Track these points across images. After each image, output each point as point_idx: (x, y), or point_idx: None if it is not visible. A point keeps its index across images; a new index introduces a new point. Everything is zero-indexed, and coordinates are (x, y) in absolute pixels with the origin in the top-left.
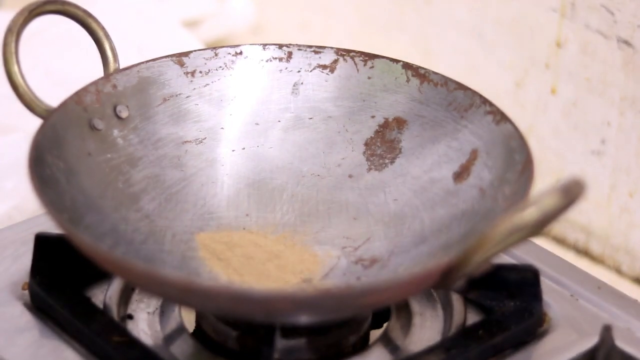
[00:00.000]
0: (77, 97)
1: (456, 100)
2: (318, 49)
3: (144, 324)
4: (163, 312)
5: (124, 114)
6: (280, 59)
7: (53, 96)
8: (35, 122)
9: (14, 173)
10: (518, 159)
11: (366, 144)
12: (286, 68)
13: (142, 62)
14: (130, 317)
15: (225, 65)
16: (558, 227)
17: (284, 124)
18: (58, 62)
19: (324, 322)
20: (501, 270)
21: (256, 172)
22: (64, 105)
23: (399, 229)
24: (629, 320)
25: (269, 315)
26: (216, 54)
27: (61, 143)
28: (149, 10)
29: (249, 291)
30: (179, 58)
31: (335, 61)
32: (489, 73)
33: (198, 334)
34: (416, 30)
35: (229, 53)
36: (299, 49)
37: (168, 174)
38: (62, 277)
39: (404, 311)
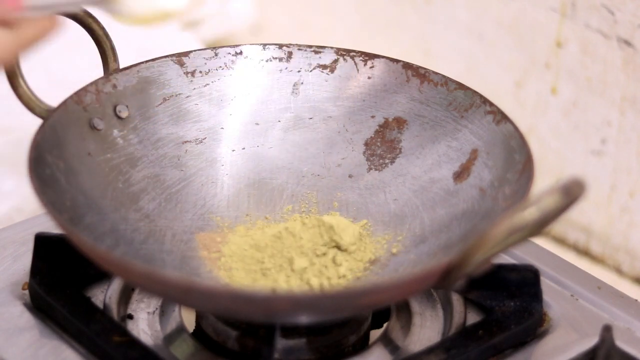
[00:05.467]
0: (77, 97)
1: (456, 100)
2: (318, 49)
3: (144, 324)
4: (163, 312)
5: (124, 113)
6: (280, 59)
7: (53, 96)
8: (35, 122)
9: (14, 173)
10: (518, 158)
11: (366, 144)
12: (286, 68)
13: (142, 62)
14: (130, 317)
15: (225, 65)
16: (558, 227)
17: (284, 124)
18: (58, 62)
19: (324, 322)
20: (501, 270)
21: (256, 172)
22: (63, 105)
23: (399, 229)
24: (629, 320)
25: (269, 316)
26: (216, 54)
27: (61, 143)
28: None
29: (249, 291)
30: (179, 58)
31: (335, 61)
32: (489, 73)
33: (198, 334)
34: (416, 30)
35: (229, 53)
36: (299, 49)
37: (168, 174)
38: (62, 277)
39: (404, 311)
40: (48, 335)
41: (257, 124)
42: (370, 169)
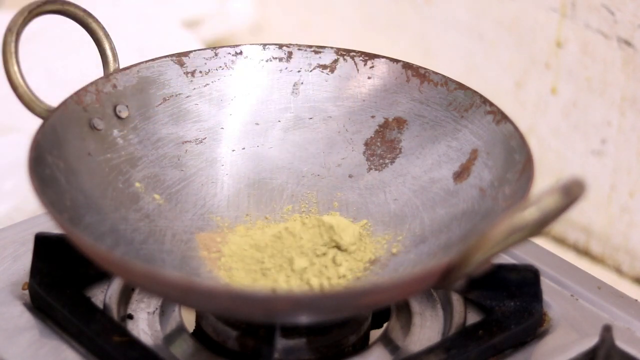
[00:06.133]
0: (77, 97)
1: (456, 100)
2: (318, 49)
3: (144, 324)
4: (163, 312)
5: (124, 113)
6: (280, 59)
7: (53, 96)
8: (35, 122)
9: (14, 173)
10: (518, 158)
11: (366, 144)
12: (286, 68)
13: (142, 62)
14: (130, 317)
15: (225, 65)
16: (558, 227)
17: (284, 124)
18: (58, 62)
19: (324, 322)
20: (501, 270)
21: (256, 172)
22: (64, 105)
23: (399, 229)
24: (629, 320)
25: (269, 316)
26: (216, 54)
27: (61, 143)
28: (149, 10)
29: (249, 291)
30: (179, 58)
31: (335, 61)
32: (489, 73)
33: (198, 334)
34: (416, 30)
35: (229, 53)
36: (299, 49)
37: (168, 174)
38: (62, 277)
39: (404, 311)
40: (48, 335)
41: (257, 124)
42: (370, 169)
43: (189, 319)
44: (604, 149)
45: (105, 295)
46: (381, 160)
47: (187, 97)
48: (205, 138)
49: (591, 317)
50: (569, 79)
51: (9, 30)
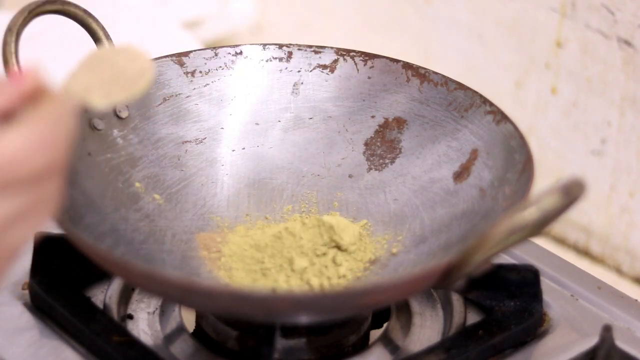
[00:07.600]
0: None
1: (456, 100)
2: (318, 49)
3: (144, 324)
4: (163, 312)
5: (124, 113)
6: (280, 59)
7: None
8: None
9: None
10: (518, 158)
11: (366, 144)
12: (286, 68)
13: None
14: (130, 317)
15: (225, 65)
16: (558, 227)
17: (284, 124)
18: (58, 62)
19: (324, 322)
20: (501, 270)
21: (256, 172)
22: None
23: (399, 229)
24: (629, 320)
25: (269, 315)
26: (216, 54)
27: None
28: (149, 10)
29: (249, 291)
30: (179, 58)
31: (335, 61)
32: (489, 73)
33: (198, 334)
34: (416, 30)
35: (229, 53)
36: (299, 49)
37: (168, 174)
38: (62, 277)
39: (404, 311)
40: (48, 335)
41: (257, 124)
42: (370, 169)
43: (189, 319)
44: (604, 149)
45: (105, 295)
46: (381, 160)
47: (187, 97)
48: (205, 138)
49: (591, 317)
50: (569, 79)
51: (9, 30)
